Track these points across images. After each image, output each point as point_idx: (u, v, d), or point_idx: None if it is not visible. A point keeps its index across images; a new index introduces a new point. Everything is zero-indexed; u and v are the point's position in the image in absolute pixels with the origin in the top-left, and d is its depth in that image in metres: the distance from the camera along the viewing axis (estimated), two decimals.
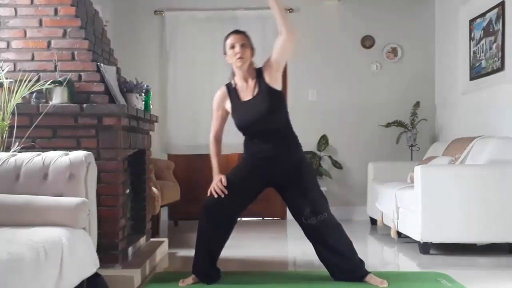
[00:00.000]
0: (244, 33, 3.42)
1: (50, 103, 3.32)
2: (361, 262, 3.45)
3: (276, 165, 3.38)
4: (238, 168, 3.56)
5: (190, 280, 3.42)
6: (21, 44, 3.56)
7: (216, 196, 3.35)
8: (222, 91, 3.48)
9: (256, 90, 3.36)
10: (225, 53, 3.40)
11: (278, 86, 3.38)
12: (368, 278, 3.39)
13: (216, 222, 3.38)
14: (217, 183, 3.36)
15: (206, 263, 3.42)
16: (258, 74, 3.39)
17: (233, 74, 3.46)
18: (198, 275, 3.43)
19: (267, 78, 3.35)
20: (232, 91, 3.43)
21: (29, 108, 3.31)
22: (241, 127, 3.41)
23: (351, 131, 6.48)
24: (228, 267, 3.68)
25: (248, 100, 3.37)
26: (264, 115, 3.31)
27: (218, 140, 3.52)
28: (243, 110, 3.38)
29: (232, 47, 3.34)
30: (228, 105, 3.45)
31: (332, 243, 3.40)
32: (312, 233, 3.43)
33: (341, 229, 3.44)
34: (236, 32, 3.41)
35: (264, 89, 3.34)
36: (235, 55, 3.33)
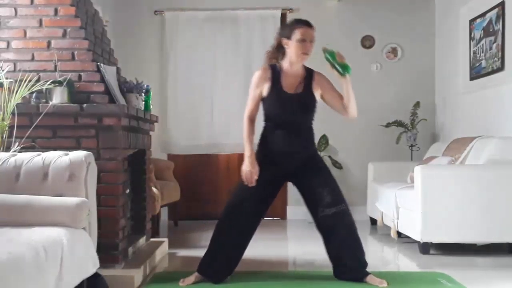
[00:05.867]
0: (314, 28, 3.39)
1: (50, 103, 3.32)
2: (365, 263, 3.45)
3: (293, 159, 3.39)
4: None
5: (191, 279, 3.39)
6: (21, 44, 3.56)
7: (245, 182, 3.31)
8: (265, 71, 3.39)
9: (301, 89, 3.38)
10: (287, 38, 3.33)
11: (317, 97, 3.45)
12: (369, 279, 3.39)
13: (240, 222, 3.36)
14: (252, 171, 3.29)
15: (226, 267, 3.39)
16: (308, 75, 3.41)
17: (282, 55, 3.39)
18: (209, 276, 3.38)
19: (314, 86, 3.40)
20: (276, 74, 3.38)
21: (29, 108, 3.31)
22: (272, 113, 3.39)
23: (351, 131, 6.47)
24: None
25: (291, 93, 3.36)
26: (300, 113, 3.38)
27: (253, 120, 3.42)
28: (282, 100, 3.35)
29: (303, 41, 3.31)
30: (266, 87, 3.37)
31: (344, 236, 3.39)
32: (326, 224, 3.40)
33: (355, 226, 3.45)
34: (310, 25, 3.35)
35: (309, 92, 3.39)
36: (303, 49, 3.30)
